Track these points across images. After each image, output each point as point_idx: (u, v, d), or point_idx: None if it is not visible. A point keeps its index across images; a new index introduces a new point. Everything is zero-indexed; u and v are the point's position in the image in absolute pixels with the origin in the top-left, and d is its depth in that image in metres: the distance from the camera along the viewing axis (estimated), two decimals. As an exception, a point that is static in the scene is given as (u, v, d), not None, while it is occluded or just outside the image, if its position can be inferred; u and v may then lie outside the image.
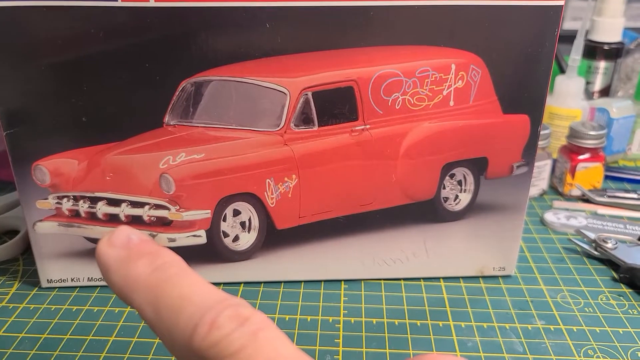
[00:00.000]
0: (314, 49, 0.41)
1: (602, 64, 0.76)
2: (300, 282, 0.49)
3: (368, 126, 0.44)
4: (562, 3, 0.40)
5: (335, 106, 0.43)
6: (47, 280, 0.48)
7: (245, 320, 0.18)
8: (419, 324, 0.44)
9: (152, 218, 0.45)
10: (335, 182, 0.45)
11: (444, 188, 0.47)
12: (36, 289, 0.48)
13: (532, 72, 0.43)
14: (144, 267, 0.20)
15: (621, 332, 0.44)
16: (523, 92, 0.44)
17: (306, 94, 0.43)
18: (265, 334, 0.18)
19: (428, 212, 0.47)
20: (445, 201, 0.48)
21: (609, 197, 0.62)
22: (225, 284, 0.49)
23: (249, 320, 0.18)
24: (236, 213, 0.46)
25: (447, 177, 0.47)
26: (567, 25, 1.02)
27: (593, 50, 0.76)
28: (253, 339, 0.18)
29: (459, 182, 0.47)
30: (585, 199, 0.63)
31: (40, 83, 0.41)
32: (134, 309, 0.20)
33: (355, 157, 0.44)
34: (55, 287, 0.48)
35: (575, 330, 0.44)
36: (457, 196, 0.48)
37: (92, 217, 0.46)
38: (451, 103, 0.44)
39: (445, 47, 0.42)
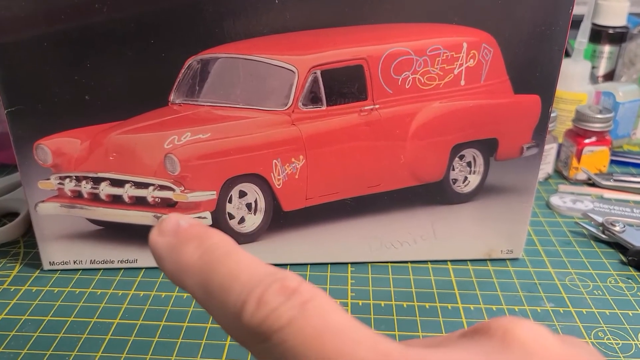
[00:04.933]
0: (323, 26, 0.40)
1: (606, 48, 0.75)
2: (306, 264, 0.48)
3: (377, 106, 0.43)
4: (576, -20, 0.40)
5: (344, 85, 0.42)
6: (49, 262, 0.47)
7: (292, 292, 0.18)
8: (427, 307, 0.44)
9: (157, 199, 0.44)
10: (343, 163, 0.44)
11: (453, 169, 0.47)
12: (38, 271, 0.47)
13: (544, 51, 0.42)
14: (193, 251, 0.20)
15: (631, 315, 0.44)
16: (535, 72, 0.43)
17: (315, 73, 0.42)
18: (314, 304, 0.18)
19: (436, 194, 0.47)
20: (454, 183, 0.47)
21: (615, 181, 0.62)
22: (230, 266, 0.48)
23: (297, 292, 0.18)
24: (242, 194, 0.45)
25: (457, 159, 0.46)
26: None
27: (598, 34, 0.75)
28: (301, 310, 0.17)
29: (469, 164, 0.47)
30: (591, 183, 0.63)
31: (43, 60, 0.40)
32: (188, 292, 0.21)
33: (363, 137, 0.44)
34: (57, 270, 0.47)
35: (584, 312, 0.44)
36: (466, 178, 0.47)
37: (94, 198, 0.45)
38: (462, 82, 0.43)
39: (457, 25, 0.41)
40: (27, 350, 0.39)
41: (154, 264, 0.47)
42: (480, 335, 0.19)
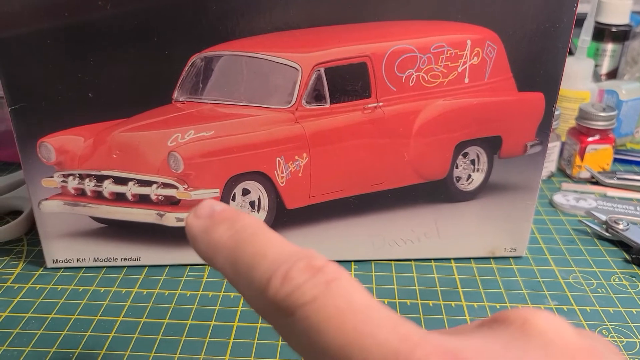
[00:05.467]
0: (327, 24, 0.40)
1: (609, 46, 0.75)
2: (309, 262, 0.48)
3: (381, 103, 0.43)
4: (581, -23, 0.39)
5: (347, 83, 0.42)
6: (53, 260, 0.47)
7: (317, 271, 0.18)
8: (431, 305, 0.44)
9: (160, 197, 0.44)
10: (346, 161, 0.44)
11: (457, 167, 0.46)
12: (41, 269, 0.47)
13: (548, 48, 0.42)
14: (224, 231, 0.21)
15: (635, 313, 0.43)
16: (539, 70, 0.43)
17: (318, 70, 0.42)
18: (338, 284, 0.18)
19: (440, 192, 0.47)
20: (458, 181, 0.47)
21: (619, 179, 0.61)
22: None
23: (322, 271, 0.18)
24: (245, 192, 0.45)
25: (460, 156, 0.46)
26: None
27: (601, 32, 0.75)
28: (325, 289, 0.18)
29: (472, 162, 0.47)
30: (594, 181, 0.63)
31: (46, 58, 0.40)
32: (218, 270, 0.21)
33: (367, 135, 0.44)
34: (60, 268, 0.47)
35: (588, 310, 0.44)
36: (469, 176, 0.47)
37: (98, 196, 0.45)
38: (466, 80, 0.43)
39: (461, 23, 0.41)
40: (31, 347, 0.39)
41: (157, 261, 0.48)
42: (499, 324, 0.19)
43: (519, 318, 0.19)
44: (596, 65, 0.75)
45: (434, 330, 0.21)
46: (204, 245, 0.22)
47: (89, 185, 0.44)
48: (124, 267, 0.48)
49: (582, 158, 0.62)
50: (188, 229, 0.23)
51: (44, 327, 0.41)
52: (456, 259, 0.49)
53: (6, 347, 0.39)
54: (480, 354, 0.17)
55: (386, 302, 0.44)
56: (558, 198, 0.59)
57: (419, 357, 0.16)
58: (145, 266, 0.48)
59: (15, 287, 0.45)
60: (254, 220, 0.22)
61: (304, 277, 0.18)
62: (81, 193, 0.45)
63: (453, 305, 0.44)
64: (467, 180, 0.47)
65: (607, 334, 0.41)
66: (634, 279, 0.48)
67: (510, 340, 0.18)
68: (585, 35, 0.65)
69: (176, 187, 0.44)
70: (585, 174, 0.63)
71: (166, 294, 0.45)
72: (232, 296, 0.44)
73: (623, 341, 0.40)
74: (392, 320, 0.17)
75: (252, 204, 0.45)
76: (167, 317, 0.42)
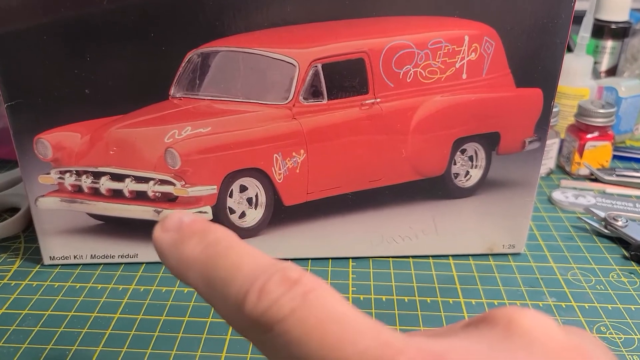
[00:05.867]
0: (324, 19, 0.40)
1: (609, 44, 0.75)
2: (307, 259, 0.48)
3: (378, 100, 0.43)
4: (579, -28, 0.39)
5: (345, 79, 0.42)
6: (50, 257, 0.47)
7: (293, 283, 0.18)
8: (429, 301, 0.44)
9: (157, 194, 0.44)
10: (344, 157, 0.44)
11: (455, 164, 0.46)
12: (38, 266, 0.47)
13: (547, 44, 0.42)
14: (195, 246, 0.20)
15: (633, 309, 0.43)
16: (537, 65, 0.43)
17: (316, 66, 0.42)
18: (315, 294, 0.18)
19: (438, 188, 0.47)
20: (456, 177, 0.47)
21: (618, 176, 0.61)
22: (231, 261, 0.48)
23: (298, 283, 0.18)
24: (243, 189, 0.45)
25: (458, 153, 0.46)
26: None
27: (600, 29, 0.74)
28: (303, 301, 0.17)
29: (470, 158, 0.46)
30: (593, 178, 0.63)
31: (42, 54, 0.40)
32: (192, 287, 0.21)
33: (365, 131, 0.44)
34: (57, 265, 0.47)
35: (587, 307, 0.44)
36: (467, 172, 0.47)
37: (95, 193, 0.45)
38: (464, 76, 0.43)
39: (459, 18, 0.41)
40: (28, 344, 0.39)
41: (154, 258, 0.47)
42: (484, 324, 0.19)
43: (504, 317, 0.19)
44: (595, 62, 0.75)
45: (417, 332, 0.21)
46: (174, 261, 0.21)
47: (86, 182, 0.44)
48: (121, 264, 0.48)
49: (581, 155, 0.62)
50: (156, 243, 0.22)
51: (40, 323, 0.41)
52: (454, 256, 0.49)
53: (3, 343, 0.39)
54: (464, 356, 0.17)
55: (384, 299, 0.44)
56: (557, 195, 0.59)
57: None
58: (142, 263, 0.48)
59: (12, 284, 0.45)
60: (225, 232, 0.21)
61: (280, 291, 0.18)
62: (78, 190, 0.45)
63: (451, 302, 0.44)
64: (465, 176, 0.47)
65: (605, 330, 0.41)
66: (632, 275, 0.47)
67: (496, 341, 0.18)
68: (584, 32, 0.65)
69: (173, 184, 0.43)
70: (584, 171, 0.63)
71: (163, 291, 0.44)
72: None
73: (621, 338, 0.40)
74: (374, 328, 0.17)
75: (249, 200, 0.45)
76: (164, 314, 0.42)
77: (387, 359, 0.16)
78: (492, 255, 0.49)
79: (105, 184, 0.44)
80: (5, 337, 0.39)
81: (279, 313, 0.17)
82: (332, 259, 0.49)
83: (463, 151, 0.46)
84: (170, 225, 0.22)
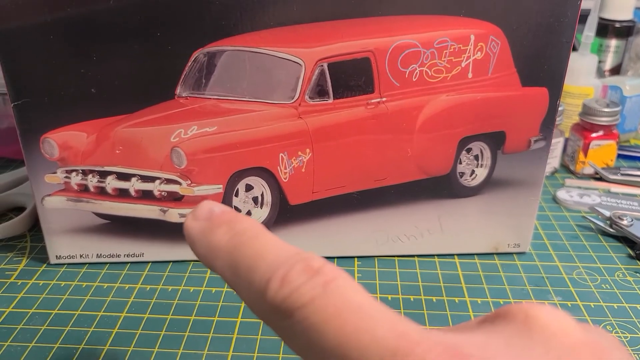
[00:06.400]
0: (330, 19, 0.40)
1: (613, 42, 0.75)
2: (313, 258, 0.48)
3: (384, 99, 0.43)
4: (585, -29, 0.39)
5: (351, 78, 0.42)
6: (56, 256, 0.47)
7: (315, 272, 0.18)
8: (434, 300, 0.44)
9: (163, 193, 0.44)
10: (349, 156, 0.44)
11: (460, 163, 0.46)
12: (45, 265, 0.47)
13: (552, 43, 0.42)
14: (223, 235, 0.21)
15: (639, 308, 0.43)
16: (543, 65, 0.43)
17: (322, 65, 0.42)
18: (336, 284, 0.18)
19: (443, 187, 0.47)
20: (461, 176, 0.47)
21: (623, 175, 0.61)
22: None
23: (320, 272, 0.18)
24: (248, 188, 0.45)
25: (464, 152, 0.46)
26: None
27: (604, 28, 0.74)
28: (323, 290, 0.18)
29: (476, 157, 0.46)
30: (598, 177, 0.63)
31: (49, 53, 0.40)
32: (218, 273, 0.22)
33: (370, 130, 0.44)
34: (64, 264, 0.47)
35: (592, 306, 0.44)
36: (473, 171, 0.47)
37: (101, 192, 0.45)
38: (469, 75, 0.43)
39: (465, 17, 0.41)
40: (35, 343, 0.39)
41: (160, 257, 0.48)
42: (501, 319, 0.19)
43: (521, 313, 0.19)
44: (600, 61, 0.75)
45: (435, 327, 0.21)
46: (203, 249, 0.22)
47: (92, 181, 0.44)
48: (127, 263, 0.48)
49: (585, 154, 0.62)
50: (187, 231, 0.23)
51: (47, 322, 0.41)
52: (459, 255, 0.49)
53: (10, 342, 0.39)
54: (482, 350, 0.17)
55: (389, 298, 0.44)
56: (562, 194, 0.59)
57: (418, 354, 0.16)
58: (148, 262, 0.48)
59: (19, 283, 0.45)
60: (253, 222, 0.22)
61: (302, 279, 0.18)
62: (84, 189, 0.45)
63: (457, 301, 0.44)
64: (471, 175, 0.47)
65: (611, 329, 0.41)
66: (638, 274, 0.47)
67: (513, 336, 0.18)
68: (588, 31, 0.65)
69: (179, 183, 0.43)
70: (589, 170, 0.63)
71: (169, 290, 0.45)
72: (235, 292, 0.44)
73: (627, 337, 0.40)
74: (391, 319, 0.17)
75: (255, 199, 0.45)
76: (171, 313, 0.42)
77: (403, 349, 0.16)
78: (498, 254, 0.50)
79: (111, 183, 0.44)
80: (13, 336, 0.39)
81: (299, 300, 0.18)
82: (338, 258, 0.49)
83: (469, 150, 0.46)
84: (200, 214, 0.22)
